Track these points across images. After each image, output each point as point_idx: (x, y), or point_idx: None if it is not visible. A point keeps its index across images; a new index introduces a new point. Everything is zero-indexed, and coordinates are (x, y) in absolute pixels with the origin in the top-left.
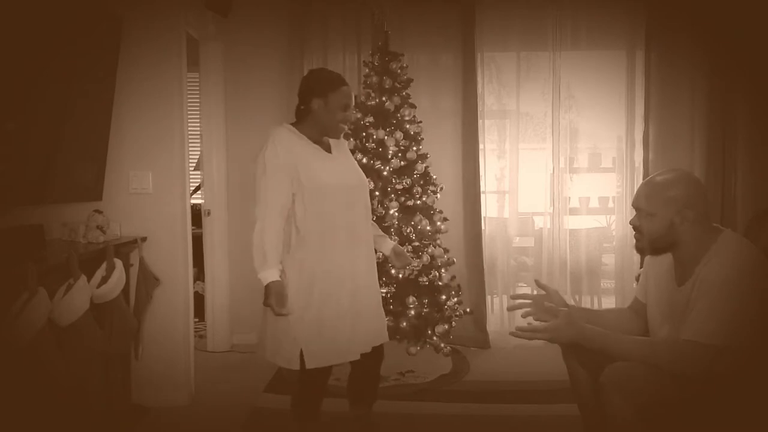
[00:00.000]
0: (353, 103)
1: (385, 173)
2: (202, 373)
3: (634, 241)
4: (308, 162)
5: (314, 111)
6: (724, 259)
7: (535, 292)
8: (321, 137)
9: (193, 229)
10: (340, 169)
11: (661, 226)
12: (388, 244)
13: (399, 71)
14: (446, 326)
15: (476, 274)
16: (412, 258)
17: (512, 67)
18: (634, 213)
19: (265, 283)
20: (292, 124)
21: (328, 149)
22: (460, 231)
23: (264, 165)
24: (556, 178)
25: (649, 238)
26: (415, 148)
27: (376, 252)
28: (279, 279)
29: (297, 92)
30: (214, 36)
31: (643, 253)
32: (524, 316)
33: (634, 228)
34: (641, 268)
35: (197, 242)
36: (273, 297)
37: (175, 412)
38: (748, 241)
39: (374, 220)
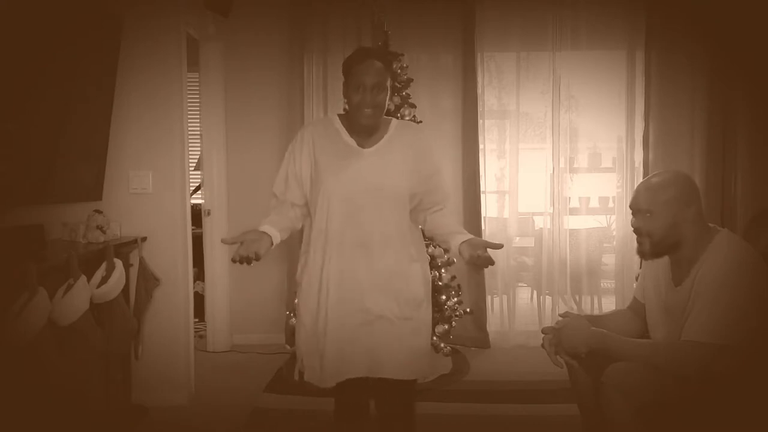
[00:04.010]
0: (374, 81)
1: None
2: (202, 373)
3: (637, 245)
4: (323, 159)
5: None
6: (722, 259)
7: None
8: (364, 127)
9: (193, 229)
10: (361, 170)
11: (664, 226)
12: (457, 240)
13: (399, 71)
14: (446, 326)
15: (476, 274)
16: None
17: (512, 67)
18: (632, 216)
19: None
20: (342, 114)
21: (371, 142)
22: None
23: (286, 154)
24: (556, 178)
25: (653, 240)
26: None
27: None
28: (263, 231)
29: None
30: (214, 36)
31: (646, 257)
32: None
33: (636, 231)
34: (641, 268)
35: (197, 242)
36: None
37: (175, 412)
38: (744, 240)
39: None
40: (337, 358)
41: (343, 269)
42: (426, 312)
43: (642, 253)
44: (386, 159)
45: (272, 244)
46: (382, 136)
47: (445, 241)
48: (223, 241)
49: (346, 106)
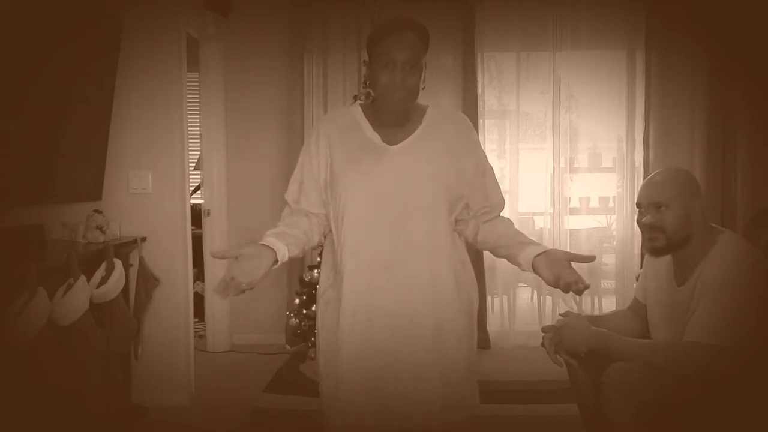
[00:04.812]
0: (406, 56)
1: None
2: (202, 373)
3: (647, 242)
4: (340, 159)
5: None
6: (726, 261)
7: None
8: (390, 116)
9: (193, 229)
10: (386, 172)
11: (679, 218)
12: (528, 253)
13: None
14: None
15: (476, 274)
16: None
17: (512, 67)
18: (637, 214)
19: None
20: (368, 102)
21: (401, 137)
22: None
23: (301, 154)
24: (556, 178)
25: (668, 234)
26: None
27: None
28: (265, 243)
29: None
30: (214, 36)
31: (662, 252)
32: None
33: (649, 227)
34: (641, 268)
35: (197, 242)
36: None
37: (175, 412)
38: (748, 242)
39: None
40: (356, 413)
41: (362, 297)
42: (470, 347)
43: (657, 250)
44: (418, 157)
45: (276, 261)
46: (415, 129)
47: (511, 255)
48: (212, 254)
49: (368, 92)
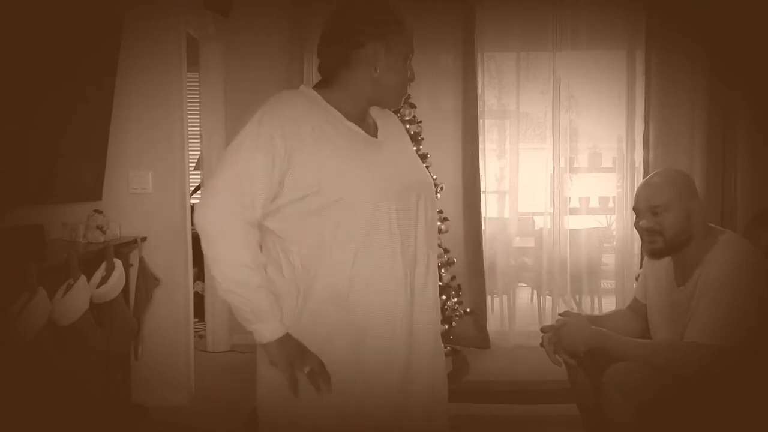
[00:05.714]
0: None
1: None
2: (202, 373)
3: (648, 245)
4: (331, 157)
5: (365, 64)
6: (726, 261)
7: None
8: (365, 110)
9: (193, 229)
10: (384, 165)
11: (678, 220)
12: None
13: None
14: (446, 326)
15: (476, 274)
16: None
17: (512, 67)
18: (635, 217)
19: (262, 342)
20: (316, 87)
21: (372, 130)
22: (460, 231)
23: (240, 145)
24: (556, 178)
25: (667, 236)
26: (414, 148)
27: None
28: (287, 334)
29: (320, 40)
30: (214, 36)
31: (661, 255)
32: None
33: (648, 231)
34: (641, 268)
35: (197, 242)
36: (287, 354)
37: (174, 412)
38: (748, 242)
39: None
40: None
41: (385, 312)
42: None
43: (657, 252)
44: (403, 150)
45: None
46: (374, 121)
47: None
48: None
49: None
